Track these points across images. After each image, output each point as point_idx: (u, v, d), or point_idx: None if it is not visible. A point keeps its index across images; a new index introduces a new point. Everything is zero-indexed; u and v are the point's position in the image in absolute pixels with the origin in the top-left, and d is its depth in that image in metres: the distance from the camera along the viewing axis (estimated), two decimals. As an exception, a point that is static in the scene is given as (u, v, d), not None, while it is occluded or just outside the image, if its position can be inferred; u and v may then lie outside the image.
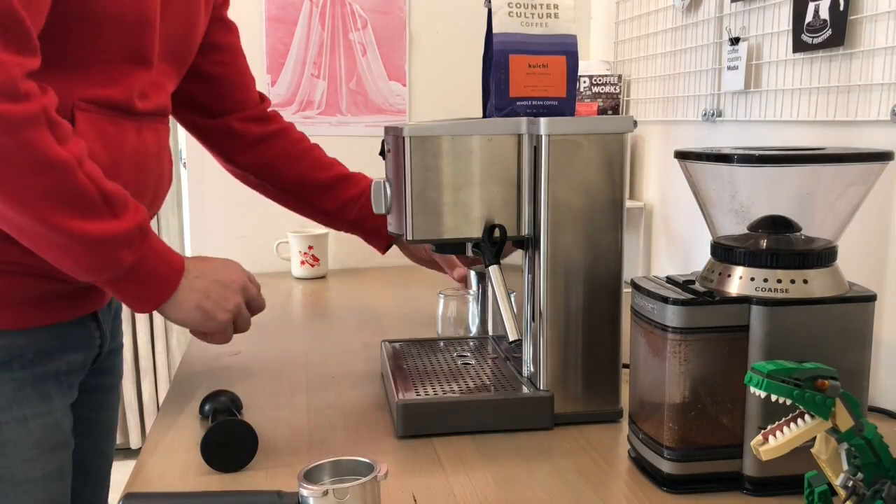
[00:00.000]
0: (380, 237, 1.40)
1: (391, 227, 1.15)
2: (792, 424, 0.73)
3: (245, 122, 1.35)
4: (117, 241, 0.90)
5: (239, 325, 1.08)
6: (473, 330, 1.39)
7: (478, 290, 1.39)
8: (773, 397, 0.71)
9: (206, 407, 1.08)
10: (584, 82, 1.94)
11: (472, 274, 1.41)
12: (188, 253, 2.67)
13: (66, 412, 1.04)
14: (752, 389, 0.72)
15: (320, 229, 2.00)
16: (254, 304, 1.09)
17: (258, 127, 1.36)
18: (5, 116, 0.79)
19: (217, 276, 1.03)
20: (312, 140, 1.43)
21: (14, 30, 0.79)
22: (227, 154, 1.37)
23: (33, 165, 0.82)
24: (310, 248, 1.99)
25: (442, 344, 1.32)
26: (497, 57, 1.08)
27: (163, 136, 1.11)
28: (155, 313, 1.01)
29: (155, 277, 0.95)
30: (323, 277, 2.04)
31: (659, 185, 1.86)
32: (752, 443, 0.75)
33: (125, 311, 3.09)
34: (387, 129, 1.13)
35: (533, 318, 1.09)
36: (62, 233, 0.86)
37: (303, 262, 2.01)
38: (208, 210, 2.08)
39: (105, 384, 1.20)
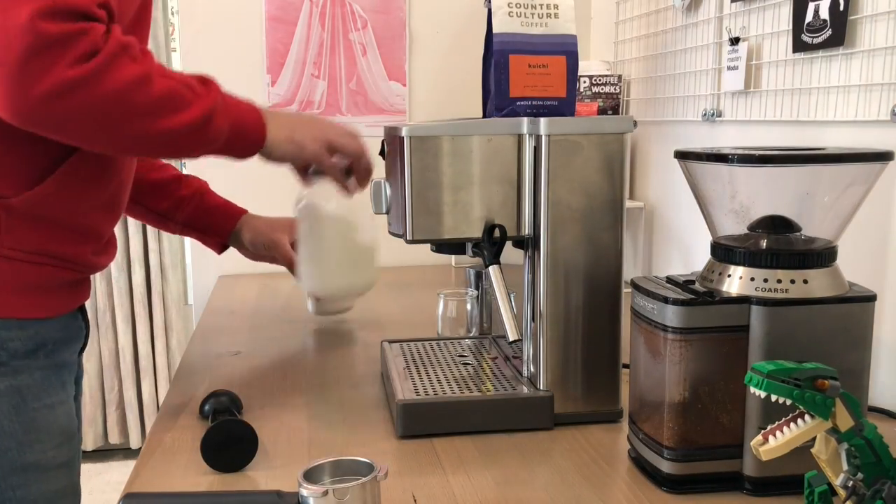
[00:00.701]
0: (215, 237, 1.40)
1: (391, 227, 1.15)
2: (792, 424, 0.73)
3: None
4: (214, 112, 0.97)
5: (356, 168, 1.14)
6: (473, 330, 1.39)
7: (478, 290, 1.39)
8: (773, 397, 0.71)
9: (206, 407, 1.08)
10: (584, 82, 1.93)
11: (472, 273, 1.41)
12: (189, 252, 2.67)
13: (73, 402, 1.08)
14: (752, 389, 0.72)
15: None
16: (348, 148, 1.12)
17: None
18: (89, 73, 0.85)
19: (300, 117, 1.14)
20: None
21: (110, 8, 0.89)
22: None
23: (123, 89, 0.89)
24: None
25: (442, 344, 1.32)
26: (497, 57, 1.08)
27: None
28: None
29: (250, 124, 1.03)
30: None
31: (659, 185, 1.86)
32: (752, 443, 0.75)
33: (124, 312, 3.09)
34: (386, 129, 1.13)
35: (533, 318, 1.09)
36: (173, 132, 0.94)
37: None
38: (208, 210, 2.07)
39: (77, 377, 1.22)
